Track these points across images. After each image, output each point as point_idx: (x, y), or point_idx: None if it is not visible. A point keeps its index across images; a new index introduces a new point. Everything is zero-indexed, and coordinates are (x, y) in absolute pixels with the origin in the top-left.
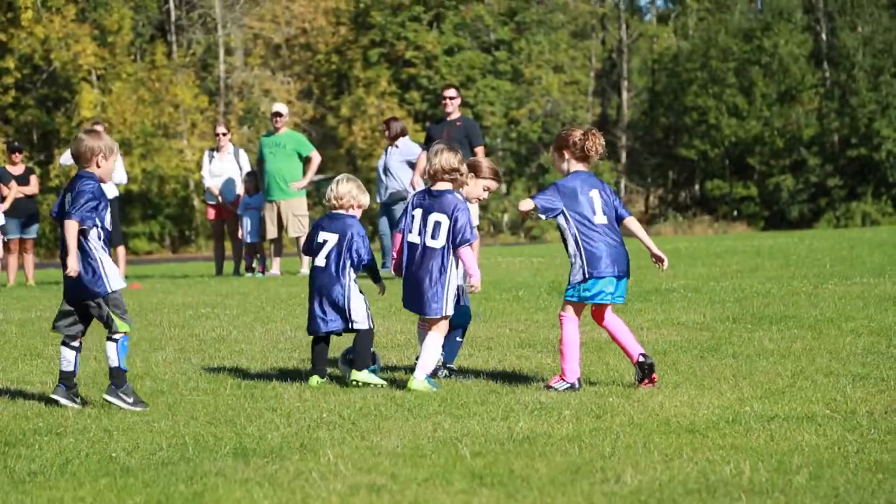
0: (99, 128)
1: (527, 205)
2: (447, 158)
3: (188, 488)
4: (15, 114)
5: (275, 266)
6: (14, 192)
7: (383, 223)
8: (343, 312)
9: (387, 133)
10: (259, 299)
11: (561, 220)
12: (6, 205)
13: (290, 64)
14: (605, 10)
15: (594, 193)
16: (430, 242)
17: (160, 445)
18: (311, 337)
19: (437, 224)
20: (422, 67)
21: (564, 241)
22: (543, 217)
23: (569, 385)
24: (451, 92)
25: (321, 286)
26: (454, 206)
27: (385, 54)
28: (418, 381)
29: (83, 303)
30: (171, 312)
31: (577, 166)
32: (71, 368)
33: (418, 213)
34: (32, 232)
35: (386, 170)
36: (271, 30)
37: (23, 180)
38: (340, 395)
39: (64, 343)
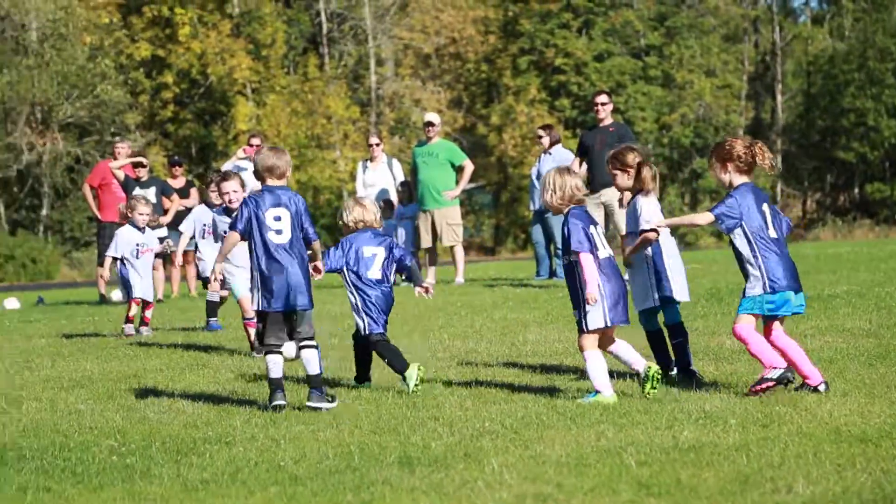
0: (257, 140)
1: (706, 218)
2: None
3: (356, 497)
4: (174, 128)
5: (430, 275)
6: (176, 204)
7: (537, 231)
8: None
9: (545, 139)
10: (416, 308)
11: (738, 232)
12: (168, 217)
13: (440, 73)
14: (757, 12)
15: (766, 208)
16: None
17: (326, 454)
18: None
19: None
20: (571, 74)
21: (738, 254)
22: (724, 230)
23: (780, 370)
24: (603, 98)
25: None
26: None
27: (534, 62)
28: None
29: (295, 311)
30: (329, 322)
31: (740, 179)
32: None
33: (592, 228)
34: (194, 244)
35: (540, 177)
36: (421, 40)
37: (183, 193)
38: (501, 404)
39: (271, 351)
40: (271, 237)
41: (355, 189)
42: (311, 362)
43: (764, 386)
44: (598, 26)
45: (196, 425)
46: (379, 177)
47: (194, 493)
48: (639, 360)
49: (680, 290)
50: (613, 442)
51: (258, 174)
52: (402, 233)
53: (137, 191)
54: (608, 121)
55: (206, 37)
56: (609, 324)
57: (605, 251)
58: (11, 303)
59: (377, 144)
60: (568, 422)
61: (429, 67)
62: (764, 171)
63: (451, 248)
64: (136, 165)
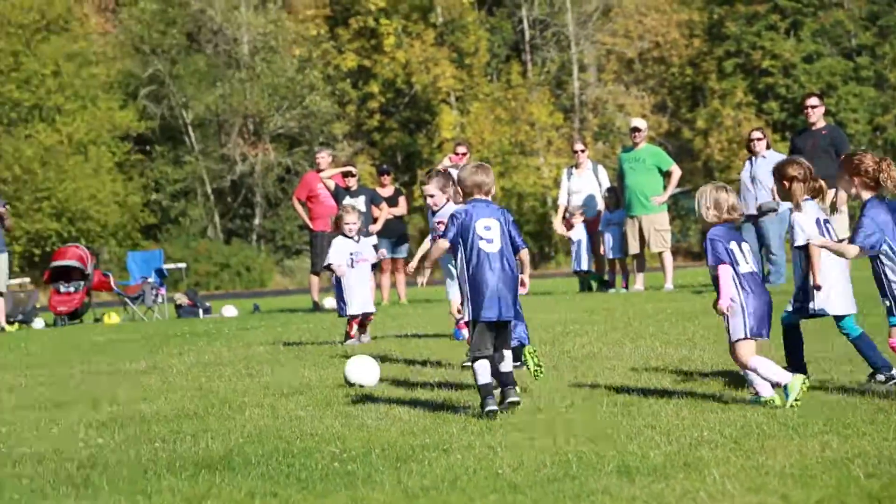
0: (462, 149)
1: (852, 251)
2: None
3: None
4: (380, 137)
5: (638, 281)
6: (385, 213)
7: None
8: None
9: (763, 141)
10: (626, 315)
11: (885, 249)
12: (378, 226)
13: (644, 78)
14: None
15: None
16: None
17: (544, 462)
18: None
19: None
20: (779, 76)
21: (880, 273)
22: (872, 252)
23: None
24: (814, 101)
25: None
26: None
27: (741, 65)
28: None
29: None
30: (540, 330)
31: (867, 194)
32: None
33: (734, 244)
34: (403, 251)
35: (753, 180)
36: (624, 45)
37: (392, 202)
38: (719, 413)
39: (478, 358)
40: (482, 246)
41: (558, 196)
42: (506, 361)
43: None
44: (807, 27)
45: (413, 432)
46: (584, 183)
47: (415, 500)
48: (782, 372)
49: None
50: (839, 452)
51: (464, 189)
52: (608, 238)
53: (347, 200)
54: (820, 124)
55: (411, 46)
56: (748, 335)
57: (746, 266)
58: (229, 310)
59: (582, 151)
60: (790, 431)
61: (632, 72)
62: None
63: (660, 253)
64: (346, 175)
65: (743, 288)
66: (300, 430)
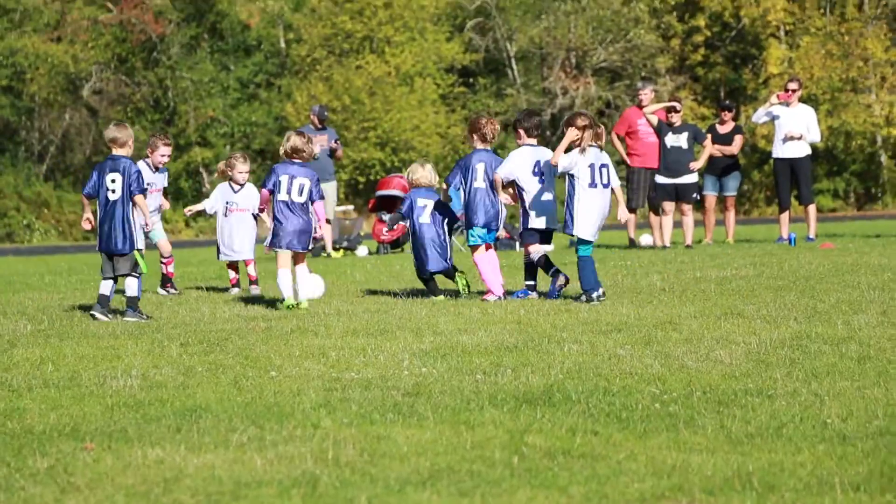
0: (794, 85)
1: None
2: None
3: None
4: (703, 72)
5: None
6: (708, 149)
7: None
8: None
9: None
10: None
11: None
12: (701, 162)
13: None
14: None
15: None
16: None
17: (875, 413)
18: None
19: None
20: None
21: None
22: None
23: None
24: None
25: None
26: None
27: None
28: None
29: None
30: (868, 274)
31: None
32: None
33: None
34: (733, 189)
35: None
36: None
37: (727, 139)
38: None
39: None
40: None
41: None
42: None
43: None
44: None
45: (735, 376)
46: None
47: (739, 445)
48: None
49: None
50: None
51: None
52: None
53: (669, 136)
54: None
55: None
56: None
57: None
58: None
59: None
60: None
61: None
62: None
63: None
64: (670, 110)
65: None
66: (619, 368)
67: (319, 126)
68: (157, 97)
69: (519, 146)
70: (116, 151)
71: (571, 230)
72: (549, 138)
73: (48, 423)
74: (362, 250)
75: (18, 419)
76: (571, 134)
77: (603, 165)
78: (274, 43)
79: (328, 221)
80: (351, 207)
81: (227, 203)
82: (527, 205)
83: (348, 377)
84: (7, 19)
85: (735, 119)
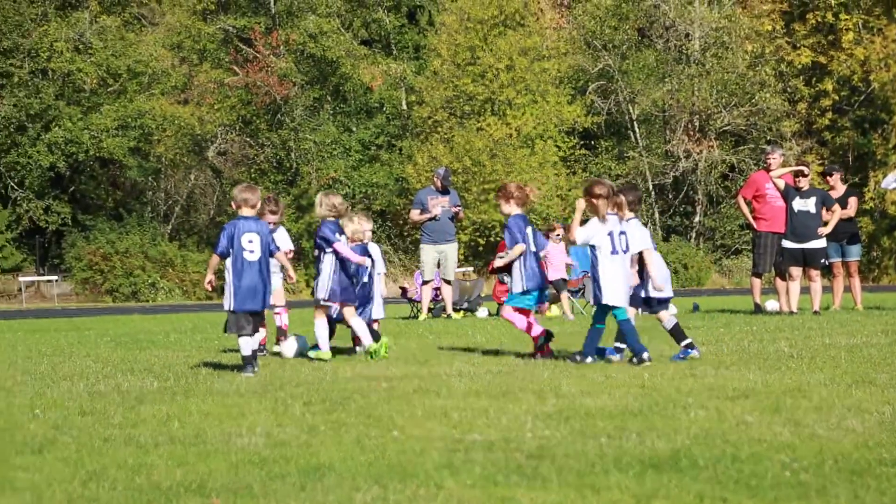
0: None
1: None
2: None
3: None
4: (830, 136)
5: None
6: (837, 215)
7: None
8: None
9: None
10: None
11: None
12: (829, 228)
13: None
14: None
15: None
16: None
17: None
18: None
19: None
20: None
21: None
22: None
23: None
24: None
25: None
26: None
27: None
28: None
29: None
30: None
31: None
32: None
33: None
34: (855, 254)
35: None
36: None
37: (842, 202)
38: None
39: None
40: None
41: None
42: None
43: None
44: None
45: (868, 446)
46: None
47: None
48: None
49: None
50: None
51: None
52: None
53: (797, 200)
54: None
55: (871, 42)
56: None
57: None
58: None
59: None
60: None
61: None
62: None
63: None
64: (797, 175)
65: None
66: (747, 435)
67: (441, 188)
68: (280, 158)
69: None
70: (247, 212)
71: (601, 299)
72: (672, 202)
73: (175, 479)
74: (482, 312)
75: (146, 475)
76: (581, 207)
77: (622, 233)
78: (396, 105)
79: (448, 282)
80: (471, 269)
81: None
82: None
83: (471, 438)
84: (136, 82)
85: (845, 181)
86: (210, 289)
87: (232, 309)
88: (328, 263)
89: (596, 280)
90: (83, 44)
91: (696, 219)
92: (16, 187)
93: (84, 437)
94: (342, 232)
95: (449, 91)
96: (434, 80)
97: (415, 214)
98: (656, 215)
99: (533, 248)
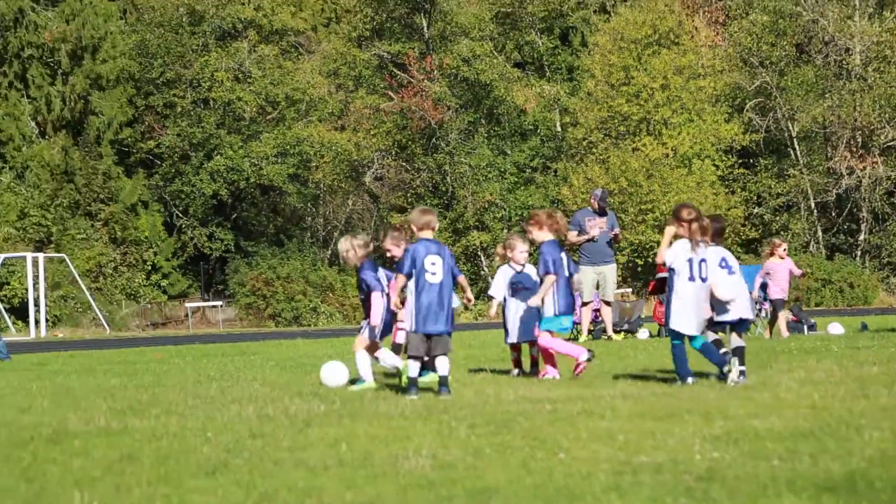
0: None
1: None
2: None
3: None
4: None
5: None
6: None
7: None
8: None
9: None
10: None
11: None
12: None
13: None
14: None
15: None
16: None
17: None
18: None
19: None
20: None
21: None
22: None
23: None
24: None
25: None
26: None
27: None
28: None
29: None
30: None
31: None
32: None
33: None
34: None
35: None
36: None
37: None
38: None
39: None
40: None
41: None
42: None
43: None
44: None
45: None
46: None
47: None
48: None
49: None
50: None
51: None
52: None
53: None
54: None
55: None
56: None
57: None
58: (835, 328)
59: None
60: None
61: None
62: None
63: None
64: None
65: None
66: None
67: (599, 210)
68: (436, 182)
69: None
70: (428, 234)
71: (670, 324)
72: (835, 220)
73: (344, 502)
74: (643, 333)
75: (317, 497)
76: (670, 232)
77: (702, 260)
78: (550, 127)
79: (608, 304)
80: (630, 290)
81: (512, 284)
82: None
83: (638, 460)
84: (294, 109)
85: None
86: (397, 310)
87: (414, 330)
88: (380, 303)
89: (668, 304)
90: (243, 73)
91: (861, 237)
92: (180, 215)
93: (255, 459)
94: (376, 269)
95: (603, 112)
96: (588, 101)
97: (572, 236)
98: (819, 233)
99: (566, 274)
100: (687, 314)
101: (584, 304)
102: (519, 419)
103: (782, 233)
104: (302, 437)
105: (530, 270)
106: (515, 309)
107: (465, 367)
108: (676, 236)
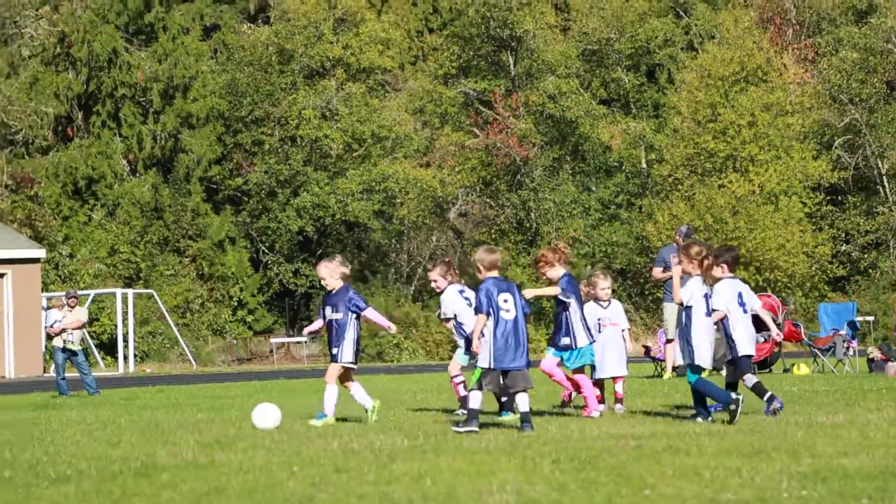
0: None
1: None
2: None
3: None
4: None
5: None
6: None
7: None
8: None
9: None
10: None
11: None
12: None
13: None
14: None
15: None
16: None
17: None
18: None
19: None
20: None
21: None
22: None
23: None
24: None
25: None
26: None
27: None
28: None
29: None
30: None
31: None
32: None
33: None
34: None
35: None
36: None
37: None
38: None
39: None
40: None
41: None
42: None
43: None
44: None
45: None
46: None
47: None
48: None
49: None
50: None
51: None
52: None
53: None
54: None
55: None
56: None
57: None
58: None
59: None
60: None
61: None
62: None
63: None
64: None
65: None
66: None
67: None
68: (521, 218)
69: (720, 279)
70: (493, 274)
71: (692, 359)
72: None
73: None
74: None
75: None
76: (678, 271)
77: (706, 295)
78: (635, 163)
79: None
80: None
81: (598, 320)
82: (734, 333)
83: (724, 498)
84: (380, 146)
85: None
86: (478, 351)
87: (491, 367)
88: (354, 329)
89: (688, 341)
90: (330, 111)
91: None
92: (267, 251)
93: (340, 493)
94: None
95: (689, 148)
96: (674, 138)
97: (657, 272)
98: None
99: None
100: (707, 349)
101: (669, 340)
102: (603, 455)
103: (870, 270)
104: (386, 472)
105: (616, 306)
106: (602, 344)
107: (548, 402)
108: (684, 273)
